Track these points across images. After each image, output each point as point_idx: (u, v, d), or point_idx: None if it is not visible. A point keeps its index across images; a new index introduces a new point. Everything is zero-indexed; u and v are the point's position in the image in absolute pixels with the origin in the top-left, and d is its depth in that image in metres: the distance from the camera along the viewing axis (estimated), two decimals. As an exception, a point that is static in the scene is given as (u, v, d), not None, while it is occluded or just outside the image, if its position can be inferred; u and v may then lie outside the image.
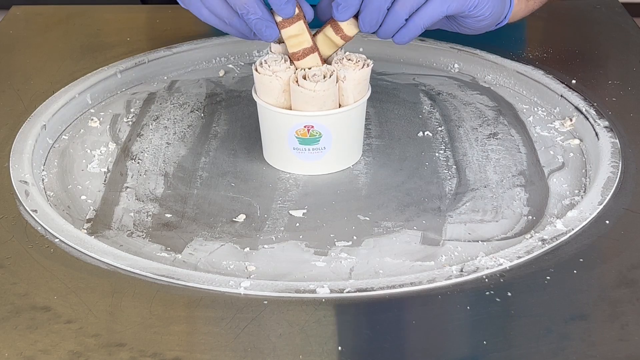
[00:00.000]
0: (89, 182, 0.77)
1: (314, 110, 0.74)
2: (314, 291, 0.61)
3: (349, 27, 0.75)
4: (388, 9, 0.73)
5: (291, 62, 0.75)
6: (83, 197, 0.75)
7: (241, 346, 0.56)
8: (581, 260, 0.64)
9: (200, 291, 0.61)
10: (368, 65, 0.76)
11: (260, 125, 0.79)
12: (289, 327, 0.58)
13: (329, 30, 0.75)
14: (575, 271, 0.63)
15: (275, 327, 0.58)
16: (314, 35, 0.75)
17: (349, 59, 0.76)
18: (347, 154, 0.79)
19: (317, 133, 0.75)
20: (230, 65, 0.98)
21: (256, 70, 0.75)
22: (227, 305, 0.60)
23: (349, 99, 0.75)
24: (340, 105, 0.75)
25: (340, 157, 0.78)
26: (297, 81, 0.74)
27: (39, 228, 0.68)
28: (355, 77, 0.75)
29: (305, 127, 0.75)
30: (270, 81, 0.74)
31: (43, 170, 0.79)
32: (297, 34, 0.74)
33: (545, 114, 0.87)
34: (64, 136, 0.85)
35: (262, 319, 0.59)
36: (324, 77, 0.74)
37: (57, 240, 0.67)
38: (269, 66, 0.75)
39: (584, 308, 0.59)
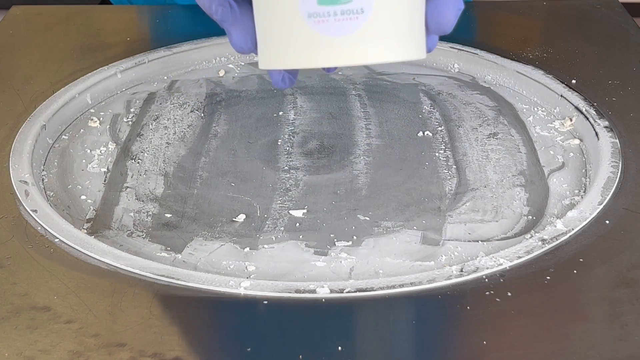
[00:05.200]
0: (89, 182, 0.77)
1: None
2: (314, 291, 0.61)
3: None
4: None
5: None
6: (83, 197, 0.75)
7: (241, 346, 0.56)
8: (581, 260, 0.64)
9: (200, 291, 0.61)
10: None
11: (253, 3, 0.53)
12: (289, 327, 0.58)
13: None
14: (575, 271, 0.63)
15: (275, 327, 0.58)
16: None
17: None
18: (403, 33, 0.49)
19: None
20: (230, 65, 0.98)
21: None
22: (227, 306, 0.60)
23: None
24: None
25: (391, 33, 0.49)
26: None
27: (39, 228, 0.68)
28: None
29: None
30: None
31: (43, 170, 0.79)
32: None
33: (545, 113, 0.87)
34: (63, 136, 0.85)
35: (262, 319, 0.59)
36: None
37: (57, 240, 0.67)
38: None
39: (584, 308, 0.59)
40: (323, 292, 0.61)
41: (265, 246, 0.68)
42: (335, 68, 0.62)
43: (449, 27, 0.51)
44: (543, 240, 0.66)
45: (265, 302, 0.60)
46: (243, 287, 0.61)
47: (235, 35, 0.55)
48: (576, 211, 0.69)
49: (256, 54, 0.55)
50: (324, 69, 0.57)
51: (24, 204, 0.71)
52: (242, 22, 0.55)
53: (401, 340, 0.57)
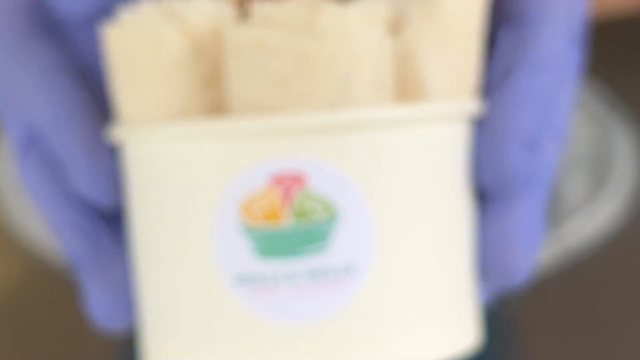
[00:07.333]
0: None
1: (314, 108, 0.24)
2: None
3: None
4: None
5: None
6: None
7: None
8: (590, 261, 0.63)
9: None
10: None
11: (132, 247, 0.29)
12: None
13: None
14: (583, 273, 0.61)
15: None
16: None
17: None
18: (438, 308, 0.26)
19: (319, 204, 0.24)
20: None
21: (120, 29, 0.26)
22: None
23: (432, 85, 0.25)
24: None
25: (413, 312, 0.25)
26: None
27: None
28: (456, 17, 0.26)
29: (277, 179, 0.24)
30: (155, 46, 0.25)
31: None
32: None
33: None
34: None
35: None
36: None
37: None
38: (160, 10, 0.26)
39: (588, 311, 0.58)
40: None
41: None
42: None
43: (516, 270, 0.29)
44: (552, 240, 0.64)
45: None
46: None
47: (99, 294, 0.29)
48: (589, 211, 0.67)
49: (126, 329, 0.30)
50: None
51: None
52: (112, 269, 0.30)
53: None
